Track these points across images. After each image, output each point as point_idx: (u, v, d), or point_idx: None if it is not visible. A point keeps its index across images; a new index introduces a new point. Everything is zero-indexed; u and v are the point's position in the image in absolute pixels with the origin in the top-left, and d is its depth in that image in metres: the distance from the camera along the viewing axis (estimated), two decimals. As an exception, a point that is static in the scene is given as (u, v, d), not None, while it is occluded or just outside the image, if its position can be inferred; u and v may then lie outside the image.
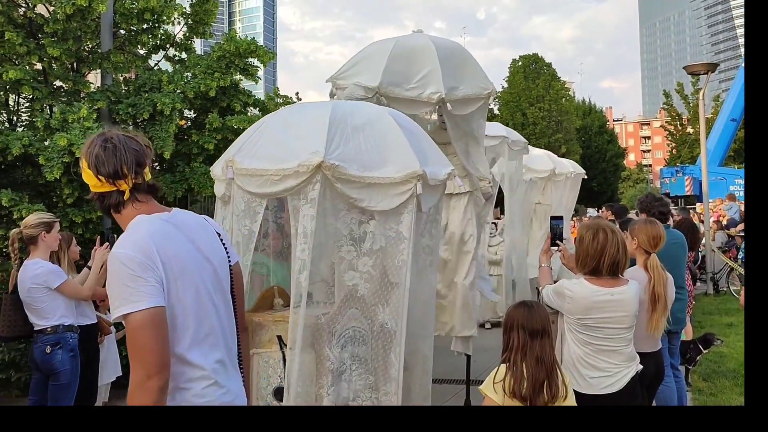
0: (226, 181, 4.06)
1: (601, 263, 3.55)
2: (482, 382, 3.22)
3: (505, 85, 45.71)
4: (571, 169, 11.28)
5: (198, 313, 2.31)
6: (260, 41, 8.98)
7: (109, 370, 5.52)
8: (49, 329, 4.71)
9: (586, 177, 11.90)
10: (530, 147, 9.31)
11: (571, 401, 3.16)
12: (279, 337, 4.00)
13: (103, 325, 5.51)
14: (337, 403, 3.84)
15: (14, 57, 7.64)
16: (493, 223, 9.47)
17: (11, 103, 8.19)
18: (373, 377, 3.94)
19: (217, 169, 4.30)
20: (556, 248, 4.29)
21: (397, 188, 3.88)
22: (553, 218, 4.36)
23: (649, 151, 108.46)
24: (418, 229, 4.17)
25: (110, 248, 3.87)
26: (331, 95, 5.87)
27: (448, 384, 7.26)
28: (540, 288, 3.93)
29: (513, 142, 8.43)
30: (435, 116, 6.43)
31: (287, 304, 3.96)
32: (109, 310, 5.83)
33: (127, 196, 2.37)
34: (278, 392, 4.59)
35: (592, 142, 47.51)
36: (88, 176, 2.37)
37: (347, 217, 3.91)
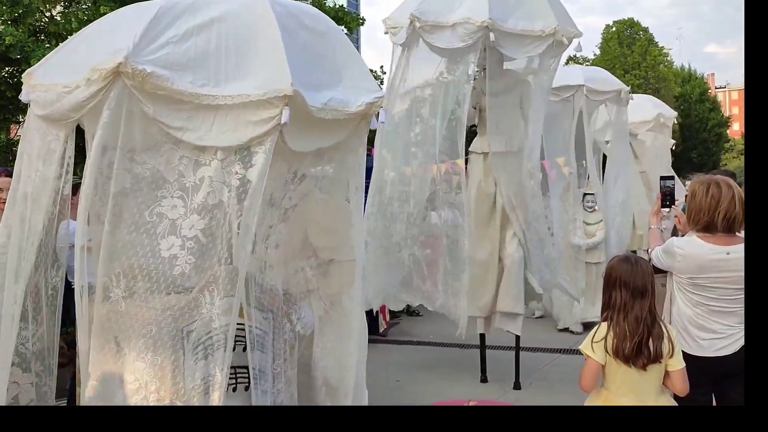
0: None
1: (715, 219, 3.28)
2: None
3: (597, 52, 43.96)
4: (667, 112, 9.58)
5: None
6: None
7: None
8: None
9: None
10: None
11: (677, 359, 3.03)
12: (116, 338, 2.72)
13: None
14: None
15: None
16: (586, 194, 7.90)
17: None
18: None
19: None
20: (667, 210, 4.01)
21: (255, 113, 2.57)
22: (663, 178, 4.04)
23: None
24: (285, 182, 2.99)
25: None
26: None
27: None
28: (649, 251, 3.72)
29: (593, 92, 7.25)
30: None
31: (149, 290, 2.68)
32: None
33: None
34: None
35: (692, 111, 44.97)
36: None
37: (174, 154, 2.62)
